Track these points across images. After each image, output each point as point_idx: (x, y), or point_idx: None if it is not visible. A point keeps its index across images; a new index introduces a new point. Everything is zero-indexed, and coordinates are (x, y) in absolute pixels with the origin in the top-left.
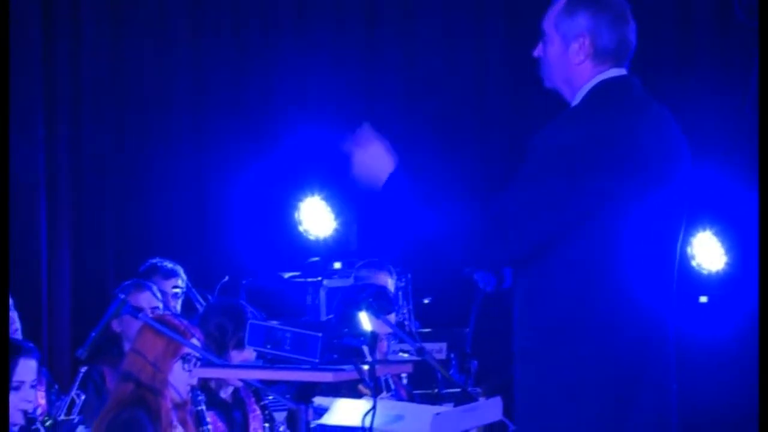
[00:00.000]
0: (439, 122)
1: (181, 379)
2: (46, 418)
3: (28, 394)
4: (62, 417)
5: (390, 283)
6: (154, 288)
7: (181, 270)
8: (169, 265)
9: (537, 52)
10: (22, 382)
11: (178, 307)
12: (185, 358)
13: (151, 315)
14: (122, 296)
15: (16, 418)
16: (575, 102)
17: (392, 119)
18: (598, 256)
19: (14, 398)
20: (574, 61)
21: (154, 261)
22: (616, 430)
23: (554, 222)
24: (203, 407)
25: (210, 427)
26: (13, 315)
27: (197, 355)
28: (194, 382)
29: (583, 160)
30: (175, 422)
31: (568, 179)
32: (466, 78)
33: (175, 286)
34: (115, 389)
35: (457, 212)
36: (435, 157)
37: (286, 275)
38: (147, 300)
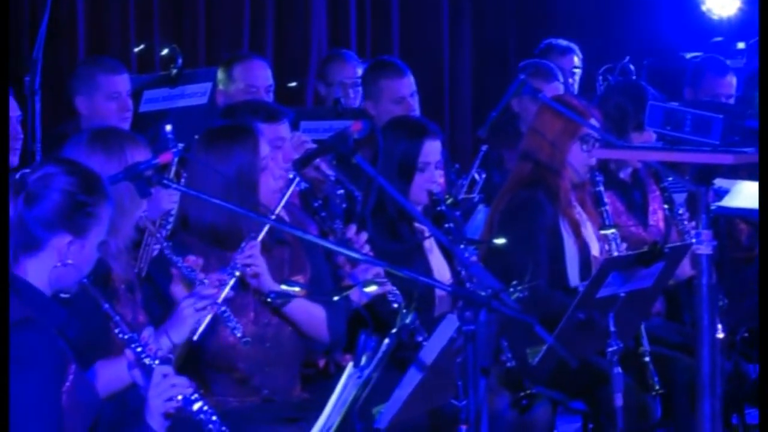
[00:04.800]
0: None
1: (579, 159)
2: (447, 196)
3: (433, 175)
4: (463, 196)
5: None
6: (560, 75)
7: (576, 48)
8: (564, 43)
9: None
10: (427, 163)
11: (576, 87)
12: (584, 139)
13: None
14: (522, 77)
15: (421, 197)
16: None
17: None
18: None
19: (419, 179)
20: None
21: (549, 40)
22: None
23: None
24: (601, 188)
25: (608, 207)
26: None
27: (596, 135)
28: (593, 162)
29: None
30: (574, 202)
31: None
32: None
33: (573, 65)
34: (515, 169)
35: None
36: None
37: (688, 56)
38: (551, 90)
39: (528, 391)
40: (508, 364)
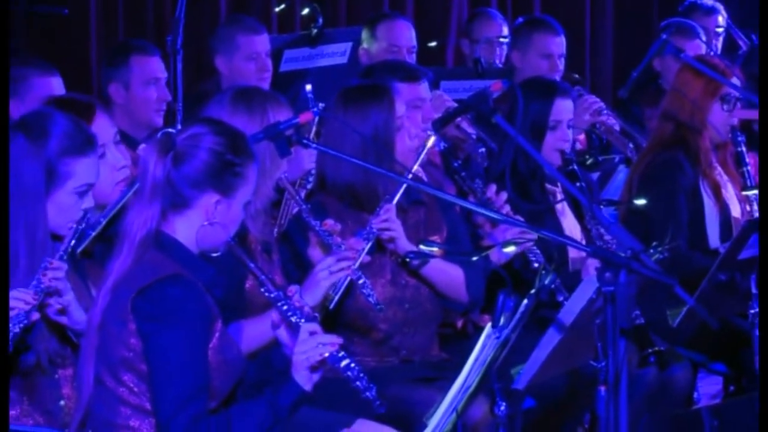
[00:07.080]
0: None
1: (720, 119)
2: (587, 157)
3: (565, 134)
4: (603, 156)
5: None
6: (701, 34)
7: (721, 8)
8: (709, 2)
9: None
10: (559, 122)
11: (719, 46)
12: (724, 98)
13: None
14: (664, 36)
15: (552, 157)
16: None
17: None
18: None
19: (551, 138)
20: None
21: None
22: None
23: None
24: (743, 148)
25: (750, 168)
26: None
27: (737, 95)
28: (734, 122)
29: None
30: (715, 163)
31: None
32: None
33: (717, 25)
34: (656, 130)
35: None
36: None
37: None
38: (692, 48)
39: (655, 348)
40: (637, 321)
